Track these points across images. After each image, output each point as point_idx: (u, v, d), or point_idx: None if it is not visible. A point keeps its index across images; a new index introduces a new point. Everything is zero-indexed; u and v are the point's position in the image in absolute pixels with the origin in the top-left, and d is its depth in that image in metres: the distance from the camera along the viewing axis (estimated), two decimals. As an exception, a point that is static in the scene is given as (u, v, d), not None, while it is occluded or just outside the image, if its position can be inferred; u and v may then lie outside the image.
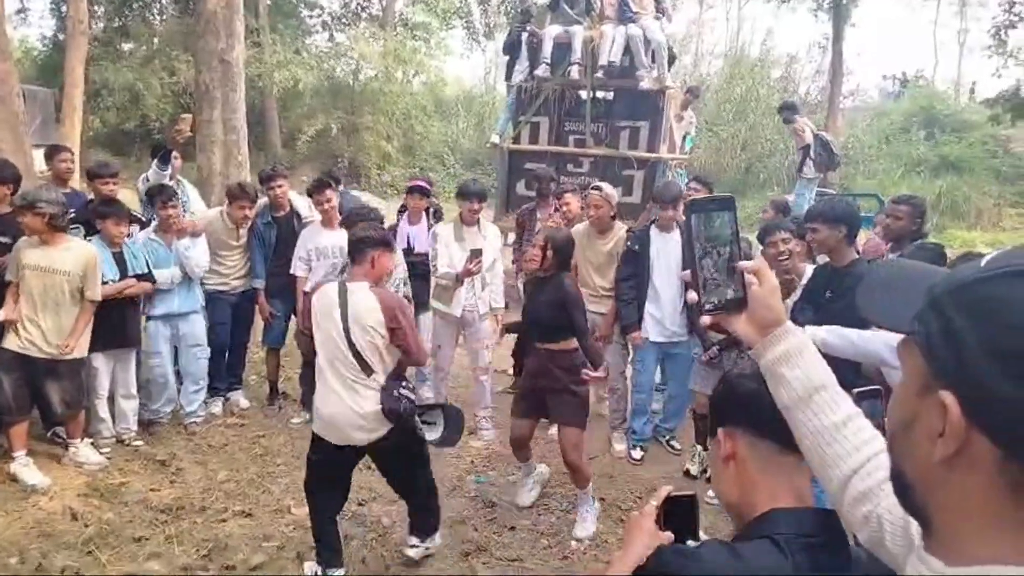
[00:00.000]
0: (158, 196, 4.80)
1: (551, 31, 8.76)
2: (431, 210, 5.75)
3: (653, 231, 4.79)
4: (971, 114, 18.93)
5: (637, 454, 4.97)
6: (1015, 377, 0.57)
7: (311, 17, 22.52)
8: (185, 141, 5.19)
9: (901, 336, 0.70)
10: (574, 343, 3.86)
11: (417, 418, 3.32)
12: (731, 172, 17.81)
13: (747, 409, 1.30)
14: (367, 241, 3.30)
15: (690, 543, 1.26)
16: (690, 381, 4.82)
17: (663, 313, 4.76)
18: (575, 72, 8.56)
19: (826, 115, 17.66)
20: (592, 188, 4.97)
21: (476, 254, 4.74)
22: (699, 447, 4.78)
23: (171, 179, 5.37)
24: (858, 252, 3.73)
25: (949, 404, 0.61)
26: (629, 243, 4.80)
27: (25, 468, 4.10)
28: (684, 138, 10.00)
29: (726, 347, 4.50)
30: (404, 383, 3.31)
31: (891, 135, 18.70)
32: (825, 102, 18.32)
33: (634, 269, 4.77)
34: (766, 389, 1.25)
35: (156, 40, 19.59)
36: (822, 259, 3.91)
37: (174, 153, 5.30)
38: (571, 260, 4.10)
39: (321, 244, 5.11)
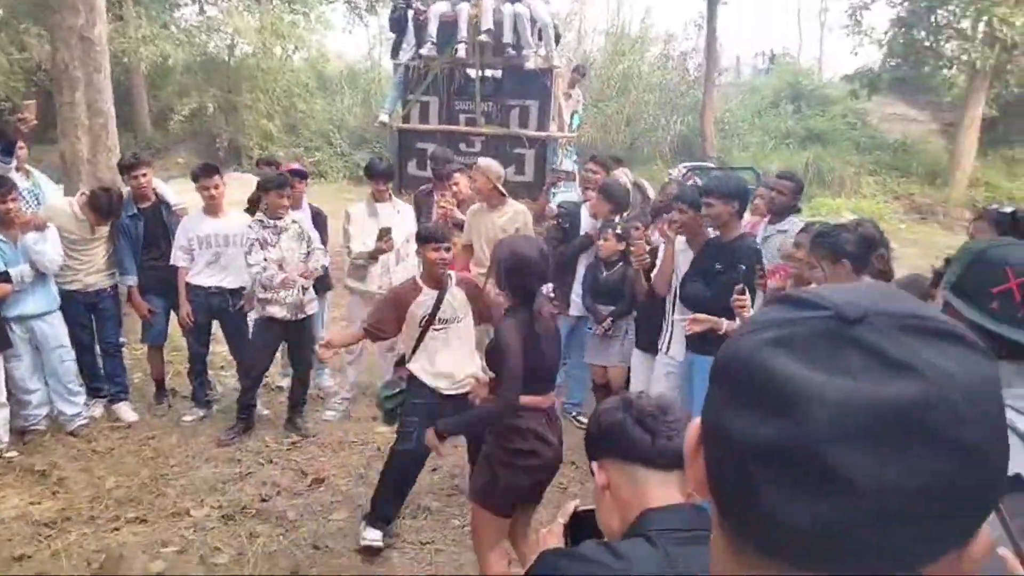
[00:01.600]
0: None
1: (437, 8, 8.64)
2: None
3: (584, 211, 4.98)
4: (832, 89, 20.24)
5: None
6: None
7: (179, -11, 21.11)
8: (30, 129, 4.76)
9: None
10: None
11: None
12: (617, 147, 18.23)
13: (612, 438, 1.41)
14: None
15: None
16: (585, 355, 4.98)
17: (579, 289, 4.94)
18: (462, 51, 8.51)
19: (703, 91, 18.37)
20: (471, 166, 5.11)
21: (386, 232, 4.74)
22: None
23: (17, 170, 4.94)
24: None
25: None
26: (559, 220, 4.94)
27: None
28: (572, 116, 10.18)
29: (617, 317, 4.69)
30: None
31: (762, 110, 19.71)
32: (702, 79, 19.02)
33: (560, 242, 4.95)
34: (630, 416, 1.40)
35: (0, 11, 17.82)
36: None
37: (19, 142, 4.85)
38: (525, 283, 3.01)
39: (203, 232, 4.88)
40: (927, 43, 15.76)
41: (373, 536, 3.58)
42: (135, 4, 17.31)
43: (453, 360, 3.66)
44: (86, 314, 4.90)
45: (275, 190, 4.66)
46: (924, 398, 0.46)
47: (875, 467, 0.46)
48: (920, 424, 0.46)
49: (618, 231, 4.69)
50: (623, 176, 8.89)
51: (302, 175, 5.38)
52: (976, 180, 15.86)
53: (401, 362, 3.80)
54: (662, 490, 1.31)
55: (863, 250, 2.85)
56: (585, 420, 5.13)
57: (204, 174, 4.88)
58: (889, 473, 0.46)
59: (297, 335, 4.81)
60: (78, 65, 5.86)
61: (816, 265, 2.77)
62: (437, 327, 3.64)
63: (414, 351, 3.66)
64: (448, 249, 3.69)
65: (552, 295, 2.94)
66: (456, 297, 3.70)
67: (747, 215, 4.43)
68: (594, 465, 1.42)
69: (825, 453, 0.47)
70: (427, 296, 3.64)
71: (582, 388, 5.30)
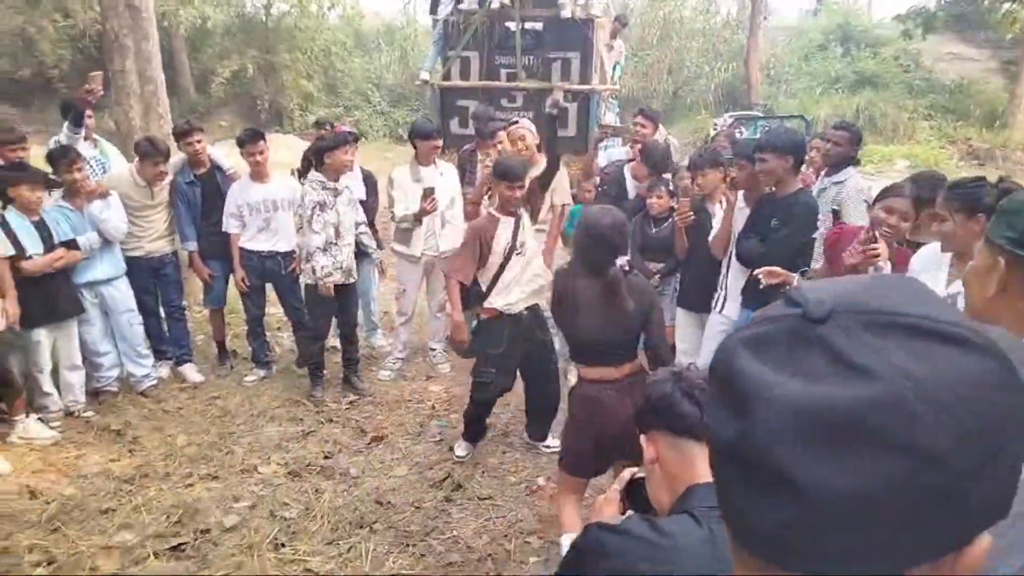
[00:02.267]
0: (61, 160, 4.46)
1: (475, -39, 8.48)
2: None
3: (627, 172, 4.92)
4: (883, 30, 19.40)
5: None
6: None
7: (214, -52, 21.05)
8: (97, 100, 4.86)
9: None
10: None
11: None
12: (659, 97, 17.88)
13: (661, 412, 1.41)
14: None
15: None
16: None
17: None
18: (497, 2, 8.36)
19: (747, 35, 17.79)
20: (511, 124, 5.07)
21: (429, 192, 4.78)
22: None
23: (86, 139, 5.08)
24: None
25: None
26: (604, 187, 4.90)
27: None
28: (614, 67, 9.98)
29: (666, 274, 4.66)
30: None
31: (810, 53, 19.04)
32: (746, 22, 18.42)
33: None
34: (678, 389, 1.41)
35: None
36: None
37: (87, 112, 4.98)
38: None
39: (252, 199, 4.97)
40: (988, -24, 14.97)
41: (462, 451, 4.19)
42: (173, -34, 17.32)
43: (526, 284, 4.02)
44: (150, 280, 5.07)
45: (340, 147, 4.69)
46: (874, 400, 0.45)
47: (824, 472, 0.45)
48: (871, 428, 0.45)
49: (670, 188, 4.64)
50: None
51: (353, 138, 5.41)
52: (1038, 121, 15.20)
53: (480, 297, 4.02)
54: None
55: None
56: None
57: (250, 140, 4.93)
58: (839, 478, 0.45)
59: (346, 296, 4.90)
60: (127, 33, 5.94)
61: (948, 218, 2.51)
62: (519, 251, 3.97)
63: (493, 284, 3.95)
64: (521, 187, 3.99)
65: (627, 267, 2.93)
66: (526, 223, 4.10)
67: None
68: (643, 438, 1.43)
69: (775, 457, 0.47)
70: (505, 224, 3.98)
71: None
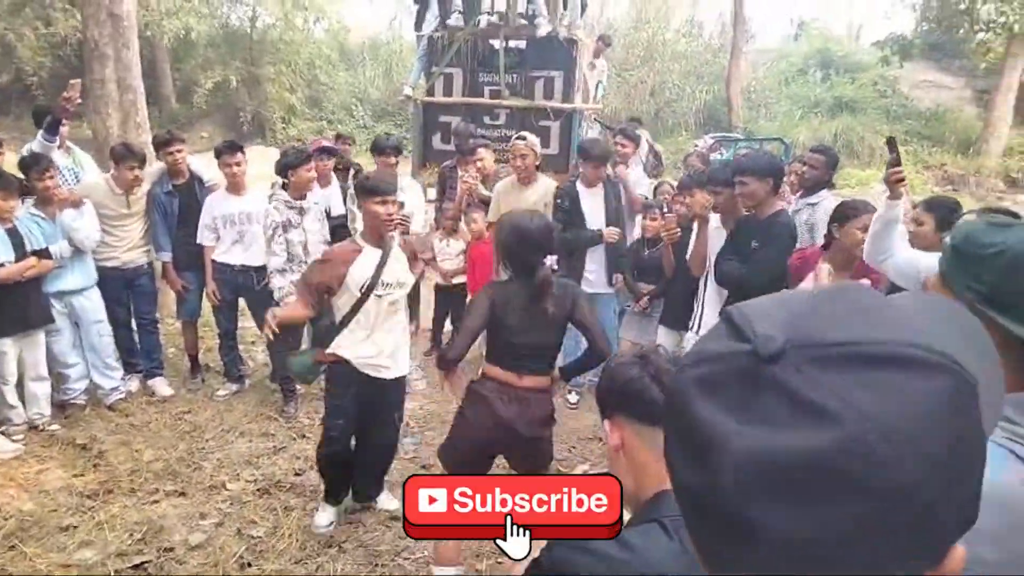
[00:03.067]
0: (33, 167, 4.40)
1: (461, -22, 8.54)
2: (350, 169, 5.63)
3: (579, 186, 4.86)
4: (863, 56, 19.75)
5: (573, 398, 5.15)
6: None
7: (199, -40, 21.03)
8: (75, 108, 4.81)
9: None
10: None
11: None
12: (642, 118, 18.01)
13: (628, 397, 1.33)
14: None
15: None
16: (620, 331, 4.99)
17: (592, 267, 4.88)
18: (484, 21, 8.42)
19: (729, 58, 18.03)
20: (516, 138, 5.00)
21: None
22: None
23: (59, 147, 5.01)
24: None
25: None
26: (559, 200, 4.84)
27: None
28: (597, 86, 10.06)
29: (655, 297, 4.68)
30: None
31: (790, 77, 19.32)
32: (728, 45, 18.67)
33: (566, 224, 4.81)
34: (646, 374, 1.32)
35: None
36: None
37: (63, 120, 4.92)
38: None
39: (227, 211, 4.91)
40: (962, 6, 15.28)
41: (324, 521, 3.57)
42: (157, -24, 17.28)
43: (389, 336, 3.43)
44: (123, 291, 4.99)
45: (303, 165, 4.60)
46: (836, 446, 0.43)
47: (787, 520, 0.44)
48: (833, 473, 0.43)
49: (664, 210, 4.66)
50: (643, 137, 8.88)
51: (331, 152, 5.40)
52: (1011, 149, 15.49)
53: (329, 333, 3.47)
54: None
55: None
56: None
57: (227, 151, 4.88)
58: (803, 525, 0.44)
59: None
60: (108, 42, 5.89)
61: (926, 223, 2.74)
62: (379, 291, 3.30)
63: (342, 325, 3.35)
64: (395, 203, 3.33)
65: (556, 267, 2.91)
66: (400, 260, 3.43)
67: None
68: (606, 423, 1.36)
69: (736, 506, 0.45)
70: (369, 256, 3.30)
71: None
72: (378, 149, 5.04)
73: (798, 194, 4.74)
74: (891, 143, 2.93)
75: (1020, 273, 1.06)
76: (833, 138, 15.45)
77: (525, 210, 3.17)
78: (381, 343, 3.40)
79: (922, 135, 16.46)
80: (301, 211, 4.56)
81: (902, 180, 2.81)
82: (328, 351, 3.39)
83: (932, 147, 16.08)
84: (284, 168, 4.62)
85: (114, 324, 4.93)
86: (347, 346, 3.36)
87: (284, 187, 4.61)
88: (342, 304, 3.33)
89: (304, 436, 4.55)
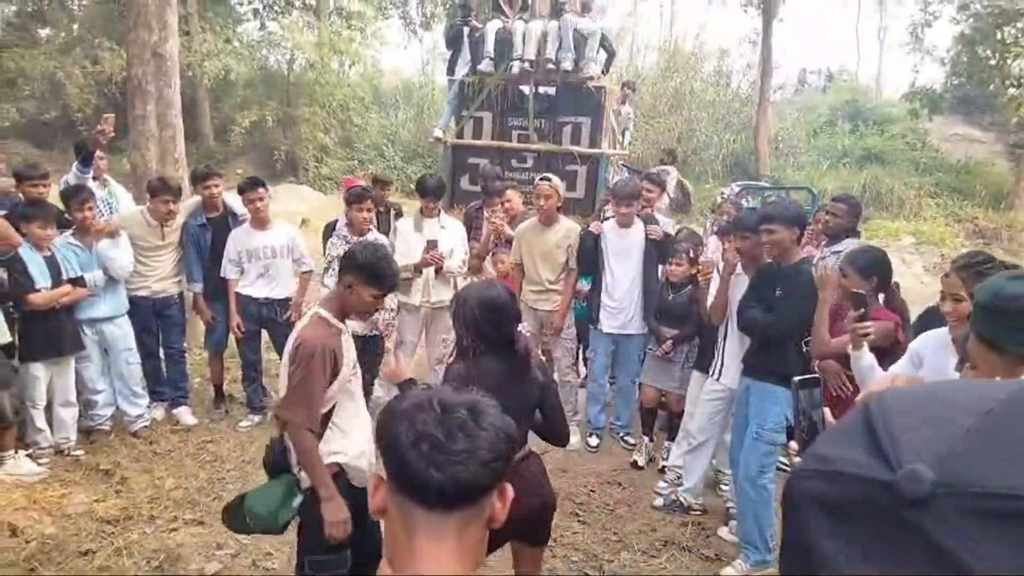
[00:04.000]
0: (73, 198, 4.58)
1: (492, 26, 8.78)
2: (391, 211, 5.77)
3: (607, 226, 4.92)
4: (891, 108, 19.79)
5: (594, 441, 5.11)
6: None
7: (241, 5, 21.83)
8: (108, 142, 5.00)
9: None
10: None
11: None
12: (675, 151, 18.16)
13: (387, 453, 1.04)
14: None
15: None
16: (641, 375, 4.97)
17: (617, 304, 4.90)
18: (516, 67, 8.61)
19: (757, 108, 18.16)
20: (541, 179, 5.09)
21: (432, 245, 4.83)
22: (645, 438, 4.94)
23: (95, 179, 5.19)
24: None
25: None
26: (583, 240, 4.93)
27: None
28: (624, 132, 10.18)
29: (680, 341, 4.66)
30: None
31: (818, 128, 19.38)
32: (756, 95, 18.83)
33: (589, 264, 4.95)
34: (408, 430, 1.01)
35: (76, 26, 18.70)
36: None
37: (97, 153, 5.11)
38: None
39: (252, 246, 5.03)
40: (992, 61, 15.30)
41: None
42: (200, 19, 17.94)
43: (366, 426, 2.78)
44: (153, 320, 5.10)
45: (354, 204, 4.87)
46: None
47: None
48: None
49: (690, 255, 4.66)
50: (671, 174, 8.99)
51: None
52: (1044, 205, 15.32)
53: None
54: (431, 544, 0.99)
55: None
56: (633, 442, 5.11)
57: (250, 188, 5.02)
58: None
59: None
60: (150, 80, 6.12)
61: (964, 298, 2.39)
62: (355, 374, 2.79)
63: (328, 419, 2.64)
64: (384, 304, 3.07)
65: (528, 332, 2.69)
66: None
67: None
68: (373, 477, 1.13)
69: None
70: (348, 336, 2.75)
71: (628, 407, 5.26)
72: (423, 190, 5.17)
73: (823, 242, 4.73)
74: (860, 299, 2.90)
75: None
76: (861, 189, 15.40)
77: (484, 282, 3.06)
78: (360, 438, 2.74)
79: (952, 188, 16.34)
80: None
81: (868, 335, 2.78)
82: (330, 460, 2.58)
83: (963, 200, 15.94)
84: (348, 203, 4.97)
85: (143, 353, 5.03)
86: (339, 446, 2.64)
87: (349, 224, 4.95)
88: (330, 395, 2.61)
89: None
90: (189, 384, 5.47)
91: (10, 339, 4.11)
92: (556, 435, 2.82)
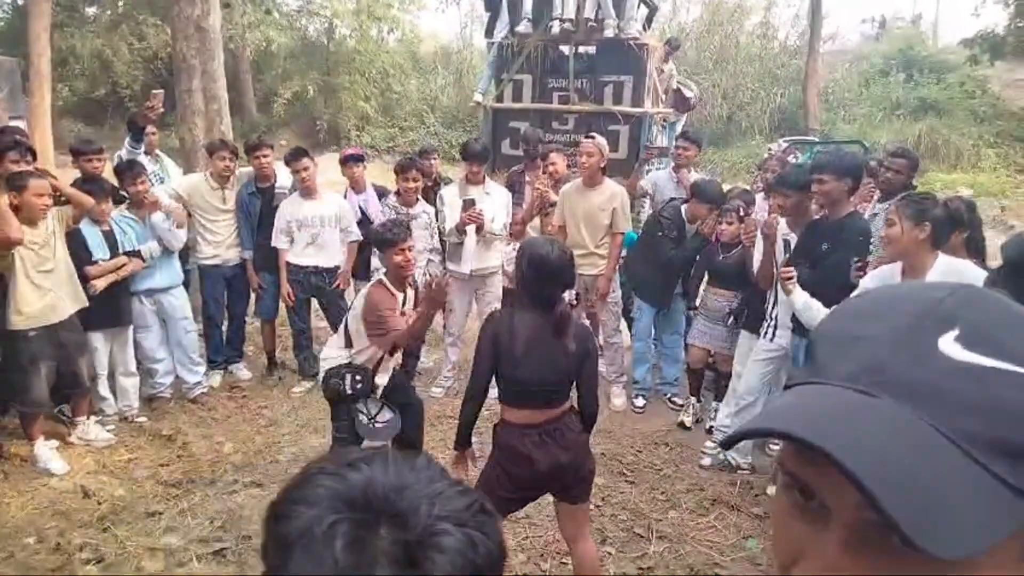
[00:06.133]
0: (126, 172, 4.72)
1: (531, -15, 8.63)
2: (440, 184, 5.80)
3: (683, 215, 4.84)
4: (948, 55, 18.88)
5: (640, 402, 5.12)
6: None
7: (280, -26, 21.86)
8: (157, 117, 5.12)
9: None
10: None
11: (360, 403, 3.60)
12: (713, 122, 17.74)
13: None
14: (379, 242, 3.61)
15: None
16: (689, 336, 4.93)
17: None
18: (556, 28, 8.46)
19: (806, 60, 17.53)
20: (585, 137, 5.03)
21: (469, 204, 4.84)
22: (693, 399, 4.92)
23: (147, 154, 5.34)
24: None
25: None
26: (665, 232, 4.82)
27: (50, 453, 4.14)
28: (672, 126, 9.94)
29: (739, 313, 4.55)
30: (360, 372, 3.57)
31: (871, 79, 18.65)
32: (805, 47, 18.16)
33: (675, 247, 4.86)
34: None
35: (121, 4, 18.99)
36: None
37: (148, 128, 5.25)
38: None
39: (301, 215, 5.11)
40: (1061, -1, 14.44)
41: None
42: (240, -10, 18.03)
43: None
44: (222, 289, 5.32)
45: (401, 174, 5.01)
46: None
47: None
48: None
49: (740, 213, 4.57)
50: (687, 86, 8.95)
51: (358, 159, 5.56)
52: (1118, 153, 14.55)
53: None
54: None
55: (947, 224, 2.98)
56: (680, 402, 5.10)
57: (293, 158, 5.13)
58: None
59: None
60: (195, 54, 6.20)
61: (897, 223, 2.90)
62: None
63: (379, 364, 3.64)
64: (411, 248, 3.55)
65: (575, 302, 2.74)
66: (410, 299, 3.75)
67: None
68: None
69: None
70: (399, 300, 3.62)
71: (675, 367, 5.23)
72: (467, 155, 5.19)
73: (876, 198, 4.58)
74: (786, 244, 3.14)
75: None
76: (916, 141, 14.83)
77: (547, 238, 3.11)
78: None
79: (1015, 137, 15.60)
80: (409, 217, 4.80)
81: (790, 278, 3.39)
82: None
83: (1026, 149, 15.23)
84: (396, 173, 5.11)
85: (208, 322, 5.28)
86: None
87: (397, 193, 5.09)
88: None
89: (374, 433, 4.66)
90: (243, 349, 5.65)
91: (87, 304, 4.26)
92: (587, 412, 2.81)
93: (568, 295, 2.73)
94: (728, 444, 0.57)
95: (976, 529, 0.42)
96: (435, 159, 6.27)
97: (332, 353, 3.69)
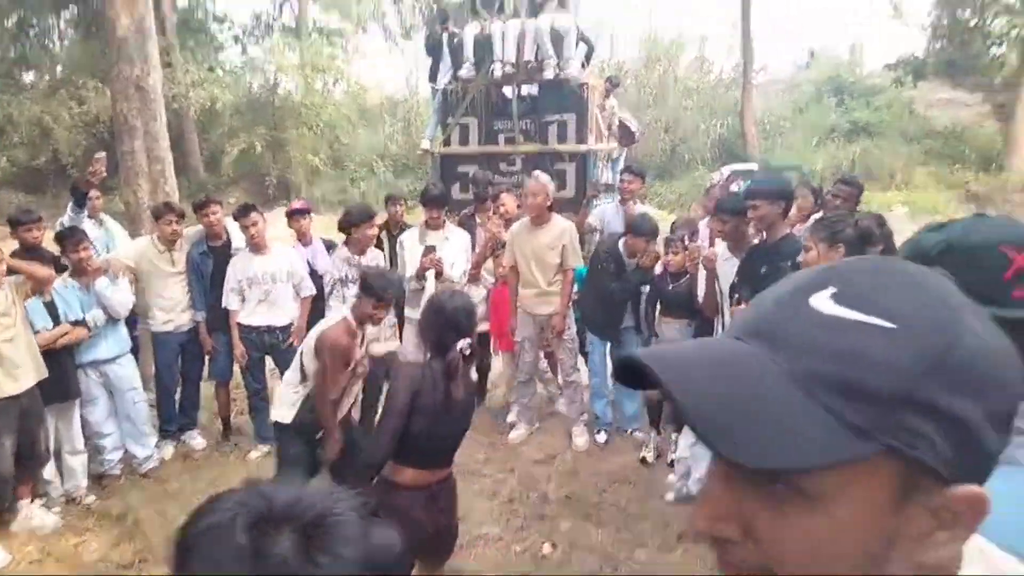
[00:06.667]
0: (68, 240, 4.57)
1: (470, 30, 8.78)
2: (404, 229, 5.80)
3: (621, 249, 4.90)
4: (875, 79, 19.77)
5: (602, 438, 5.10)
6: (1007, 434, 0.50)
7: (221, 32, 21.92)
8: (101, 181, 5.03)
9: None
10: None
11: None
12: (657, 156, 18.16)
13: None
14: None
15: None
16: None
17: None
18: (498, 70, 8.61)
19: (741, 91, 18.14)
20: (529, 176, 5.10)
21: (429, 249, 4.83)
22: (653, 432, 4.92)
23: (91, 218, 5.23)
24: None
25: (976, 496, 0.50)
26: (603, 265, 4.90)
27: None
28: (614, 161, 10.15)
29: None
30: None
31: (803, 106, 19.37)
32: (740, 79, 18.81)
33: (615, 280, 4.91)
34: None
35: (59, 68, 18.79)
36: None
37: (92, 193, 5.15)
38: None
39: (251, 272, 5.03)
40: (973, 22, 15.27)
41: None
42: (182, 50, 18.01)
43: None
44: (176, 355, 5.16)
45: (366, 223, 4.93)
46: None
47: None
48: None
49: (684, 242, 4.64)
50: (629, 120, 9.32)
51: (304, 212, 5.53)
52: (1036, 162, 15.28)
53: None
54: None
55: (859, 242, 3.10)
56: (642, 436, 5.09)
57: (241, 214, 5.05)
58: None
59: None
60: (136, 115, 6.12)
61: (813, 247, 3.01)
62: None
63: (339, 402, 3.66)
64: (387, 308, 3.68)
65: (468, 351, 2.76)
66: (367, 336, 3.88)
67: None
68: None
69: None
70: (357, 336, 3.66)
71: (634, 402, 5.23)
72: (425, 200, 5.25)
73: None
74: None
75: (971, 259, 1.05)
76: (851, 163, 15.39)
77: (451, 290, 3.14)
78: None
79: (942, 154, 16.32)
80: (360, 267, 4.74)
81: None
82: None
83: (954, 165, 15.93)
84: (347, 225, 4.96)
85: (161, 388, 5.11)
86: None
87: (347, 244, 5.00)
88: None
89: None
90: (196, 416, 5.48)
91: (47, 374, 4.11)
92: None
93: (463, 343, 2.69)
94: (616, 376, 0.60)
95: (791, 449, 0.47)
96: (401, 205, 6.25)
97: (288, 391, 3.69)
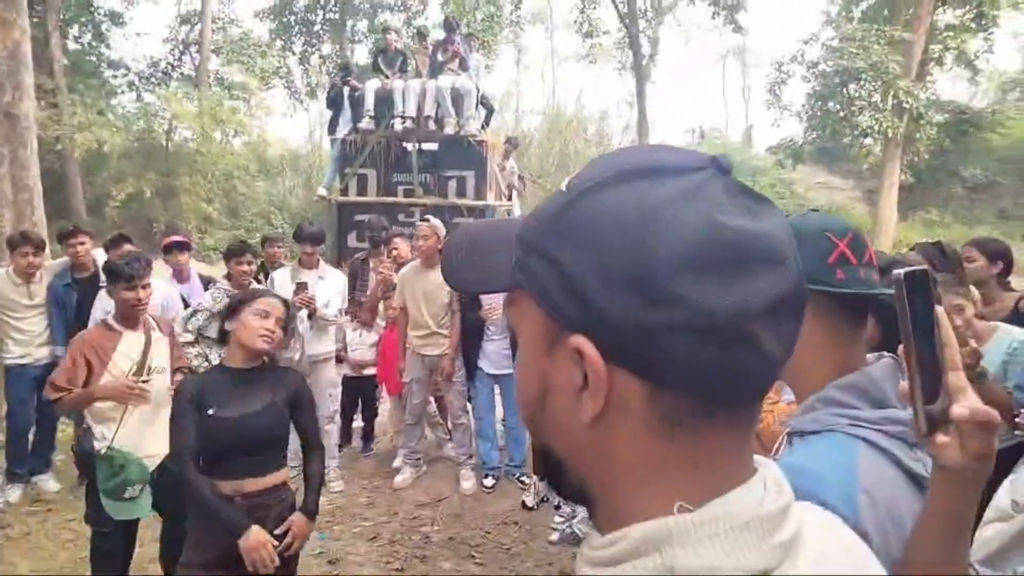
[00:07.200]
0: None
1: (372, 84, 8.92)
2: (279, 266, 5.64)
3: None
4: (760, 161, 21.31)
5: (489, 482, 5.01)
6: (642, 299, 0.48)
7: (115, 77, 21.21)
8: None
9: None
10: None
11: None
12: (516, 140, 18.72)
13: None
14: None
15: None
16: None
17: (495, 347, 4.91)
18: (398, 124, 8.73)
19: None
20: (420, 219, 5.11)
21: (300, 287, 4.68)
22: (535, 478, 4.89)
23: None
24: None
25: (586, 350, 0.50)
26: (463, 295, 4.92)
27: None
28: (510, 188, 10.42)
29: None
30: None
31: (694, 181, 20.56)
32: (636, 153, 19.81)
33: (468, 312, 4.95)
34: None
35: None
36: None
37: None
38: None
39: None
40: (842, 115, 16.75)
41: None
42: (70, 92, 17.29)
43: (159, 429, 2.91)
44: (32, 392, 4.72)
45: (235, 258, 4.80)
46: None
47: None
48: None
49: None
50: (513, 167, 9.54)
51: (184, 246, 5.34)
52: (899, 242, 16.67)
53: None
54: None
55: None
56: (528, 481, 5.05)
57: (113, 245, 4.87)
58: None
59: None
60: (3, 141, 5.79)
61: None
62: (146, 377, 3.14)
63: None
64: (146, 287, 3.21)
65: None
66: (161, 343, 3.32)
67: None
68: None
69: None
70: (132, 339, 3.20)
71: (521, 445, 5.20)
72: (299, 237, 5.07)
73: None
74: None
75: (800, 243, 1.12)
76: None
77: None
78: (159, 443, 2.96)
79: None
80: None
81: None
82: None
83: (828, 241, 17.17)
84: (227, 258, 4.93)
85: (14, 427, 4.70)
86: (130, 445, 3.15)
87: (228, 277, 4.86)
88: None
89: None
90: (51, 457, 5.02)
91: None
92: (305, 443, 2.80)
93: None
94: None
95: (489, 280, 0.61)
96: (280, 246, 6.09)
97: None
